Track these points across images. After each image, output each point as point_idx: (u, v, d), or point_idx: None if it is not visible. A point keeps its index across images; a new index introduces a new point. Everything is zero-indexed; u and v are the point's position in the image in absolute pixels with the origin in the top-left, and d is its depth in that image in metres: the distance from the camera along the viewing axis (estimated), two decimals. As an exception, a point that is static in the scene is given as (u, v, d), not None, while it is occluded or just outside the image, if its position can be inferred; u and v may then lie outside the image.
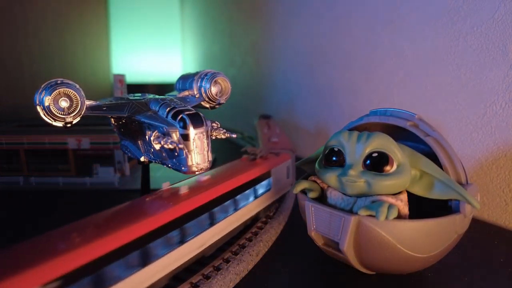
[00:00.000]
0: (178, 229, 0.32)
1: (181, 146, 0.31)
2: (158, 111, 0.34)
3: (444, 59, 0.58)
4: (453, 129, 0.57)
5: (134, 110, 0.35)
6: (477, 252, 0.42)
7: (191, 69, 1.46)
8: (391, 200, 0.31)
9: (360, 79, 0.76)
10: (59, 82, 0.30)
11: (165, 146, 0.31)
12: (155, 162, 0.38)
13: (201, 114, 0.33)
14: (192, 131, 0.31)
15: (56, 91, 0.30)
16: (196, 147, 0.32)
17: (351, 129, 0.39)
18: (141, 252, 0.28)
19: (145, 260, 0.29)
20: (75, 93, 0.31)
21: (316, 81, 0.90)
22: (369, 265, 0.34)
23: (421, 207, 0.33)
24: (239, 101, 1.26)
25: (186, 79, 0.43)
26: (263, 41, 1.11)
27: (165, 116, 0.33)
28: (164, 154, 0.34)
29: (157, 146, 0.31)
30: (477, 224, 0.50)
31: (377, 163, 0.32)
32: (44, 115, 0.30)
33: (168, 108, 0.33)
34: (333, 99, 0.85)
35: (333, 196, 0.35)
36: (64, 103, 0.30)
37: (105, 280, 0.25)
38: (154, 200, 0.34)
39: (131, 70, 1.57)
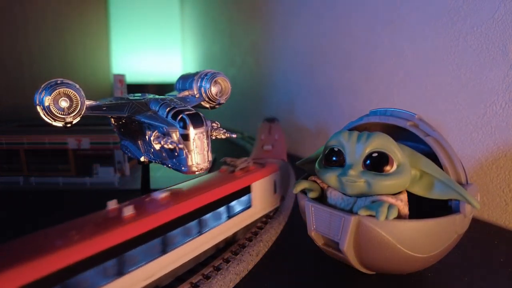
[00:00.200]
0: (118, 258, 0.27)
1: (181, 146, 0.31)
2: (158, 111, 0.34)
3: (444, 59, 0.58)
4: (453, 129, 0.57)
5: (134, 110, 0.35)
6: (477, 252, 0.42)
7: (191, 69, 1.46)
8: (391, 200, 0.31)
9: (360, 79, 0.76)
10: (59, 82, 0.30)
11: (165, 146, 0.31)
12: (155, 162, 0.38)
13: (201, 114, 0.33)
14: (192, 131, 0.31)
15: (56, 91, 0.30)
16: (196, 147, 0.32)
17: (351, 129, 0.39)
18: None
19: None
20: (75, 93, 0.31)
21: (316, 81, 0.90)
22: (369, 265, 0.34)
23: (421, 207, 0.33)
24: (239, 101, 1.26)
25: (186, 79, 0.43)
26: (263, 41, 1.11)
27: (165, 116, 0.33)
28: (164, 154, 0.34)
29: (157, 146, 0.31)
30: (477, 224, 0.50)
31: (377, 163, 0.32)
32: (44, 115, 0.30)
33: (168, 108, 0.33)
34: (333, 99, 0.85)
35: (333, 196, 0.35)
36: (64, 103, 0.30)
37: None
38: (91, 221, 0.28)
39: (131, 70, 1.58)
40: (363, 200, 0.32)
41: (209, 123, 0.33)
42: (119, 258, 0.27)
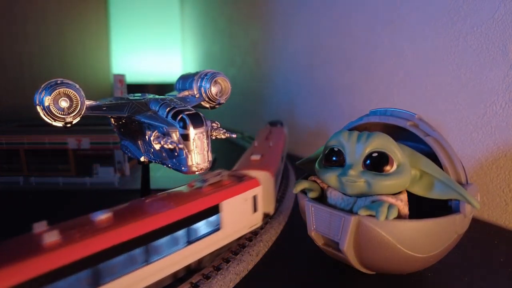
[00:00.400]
0: None
1: (181, 146, 0.31)
2: (158, 111, 0.34)
3: (444, 59, 0.58)
4: (453, 129, 0.57)
5: (134, 110, 0.35)
6: (477, 252, 0.42)
7: (191, 69, 1.46)
8: (391, 200, 0.31)
9: (360, 79, 0.76)
10: (59, 82, 0.30)
11: (165, 146, 0.31)
12: (155, 162, 0.38)
13: (201, 114, 0.33)
14: (192, 131, 0.31)
15: (56, 91, 0.30)
16: (196, 147, 0.32)
17: (351, 129, 0.39)
18: None
19: None
20: (75, 93, 0.31)
21: (316, 81, 0.90)
22: (369, 265, 0.34)
23: (421, 207, 0.33)
24: (239, 101, 1.26)
25: (186, 79, 0.43)
26: (263, 41, 1.11)
27: (165, 116, 0.33)
28: (164, 154, 0.34)
29: (157, 146, 0.31)
30: (477, 224, 0.50)
31: (377, 163, 0.32)
32: (44, 115, 0.30)
33: (168, 108, 0.33)
34: (333, 99, 0.85)
35: (333, 196, 0.35)
36: (64, 103, 0.30)
37: None
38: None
39: (131, 70, 1.58)
40: (363, 200, 0.32)
41: (209, 123, 0.33)
42: None
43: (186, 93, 0.42)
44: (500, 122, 0.51)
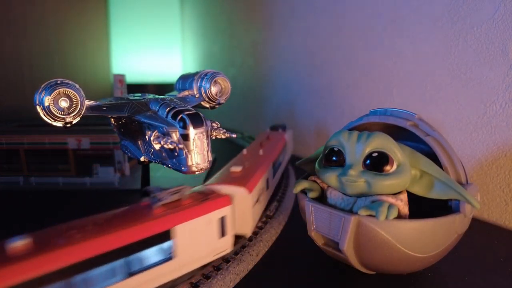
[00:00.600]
0: None
1: (181, 146, 0.31)
2: (158, 111, 0.34)
3: (444, 59, 0.58)
4: (453, 129, 0.57)
5: (134, 110, 0.35)
6: (477, 252, 0.42)
7: (191, 69, 1.46)
8: (391, 200, 0.31)
9: (360, 79, 0.76)
10: (59, 82, 0.30)
11: (165, 146, 0.31)
12: (155, 162, 0.38)
13: (201, 114, 0.33)
14: (192, 131, 0.31)
15: (56, 91, 0.30)
16: (196, 147, 0.32)
17: (351, 129, 0.39)
18: None
19: None
20: (75, 93, 0.31)
21: (316, 81, 0.90)
22: (369, 265, 0.34)
23: (421, 207, 0.33)
24: (239, 101, 1.26)
25: (186, 79, 0.43)
26: (263, 41, 1.11)
27: (165, 116, 0.33)
28: (164, 154, 0.34)
29: (157, 146, 0.31)
30: (477, 224, 0.50)
31: (377, 163, 0.32)
32: (44, 115, 0.30)
33: (168, 108, 0.33)
34: (333, 99, 0.85)
35: (333, 196, 0.35)
36: (64, 103, 0.30)
37: None
38: None
39: (131, 70, 1.57)
40: (363, 200, 0.32)
41: (209, 123, 0.33)
42: None
43: (186, 93, 0.42)
44: (500, 122, 0.51)
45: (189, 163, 0.32)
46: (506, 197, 0.51)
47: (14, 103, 1.09)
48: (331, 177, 0.34)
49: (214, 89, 0.41)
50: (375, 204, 0.30)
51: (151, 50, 1.62)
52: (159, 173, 0.73)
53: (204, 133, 0.32)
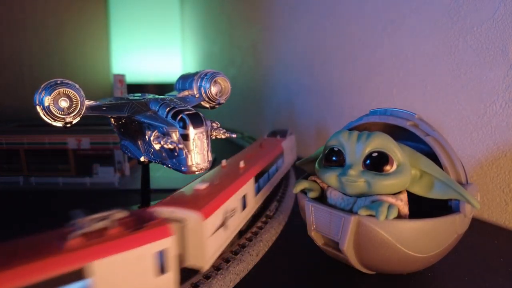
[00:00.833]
0: None
1: (181, 146, 0.31)
2: (158, 111, 0.34)
3: (444, 59, 0.58)
4: (453, 129, 0.57)
5: (134, 110, 0.35)
6: (477, 252, 0.42)
7: (191, 69, 1.46)
8: (391, 200, 0.31)
9: (360, 79, 0.76)
10: (59, 82, 0.30)
11: (165, 146, 0.31)
12: (155, 162, 0.38)
13: (201, 114, 0.33)
14: (192, 131, 0.31)
15: (56, 91, 0.30)
16: (196, 147, 0.32)
17: (351, 129, 0.39)
18: None
19: None
20: (75, 93, 0.31)
21: (316, 81, 0.90)
22: (369, 265, 0.34)
23: (421, 207, 0.33)
24: (239, 101, 1.26)
25: (186, 79, 0.43)
26: (263, 41, 1.11)
27: (165, 116, 0.33)
28: (164, 154, 0.34)
29: (157, 146, 0.31)
30: (477, 224, 0.50)
31: (377, 162, 0.32)
32: (44, 115, 0.30)
33: (168, 108, 0.33)
34: (333, 99, 0.85)
35: (333, 196, 0.35)
36: (64, 103, 0.30)
37: None
38: None
39: (131, 70, 1.57)
40: (363, 200, 0.32)
41: (209, 123, 0.33)
42: None
43: (186, 93, 0.42)
44: (500, 122, 0.51)
45: (189, 163, 0.32)
46: (506, 197, 0.51)
47: (14, 103, 1.09)
48: (331, 177, 0.34)
49: (214, 89, 0.41)
50: (375, 204, 0.30)
51: (151, 50, 1.62)
52: (159, 173, 0.73)
53: (204, 133, 0.32)
